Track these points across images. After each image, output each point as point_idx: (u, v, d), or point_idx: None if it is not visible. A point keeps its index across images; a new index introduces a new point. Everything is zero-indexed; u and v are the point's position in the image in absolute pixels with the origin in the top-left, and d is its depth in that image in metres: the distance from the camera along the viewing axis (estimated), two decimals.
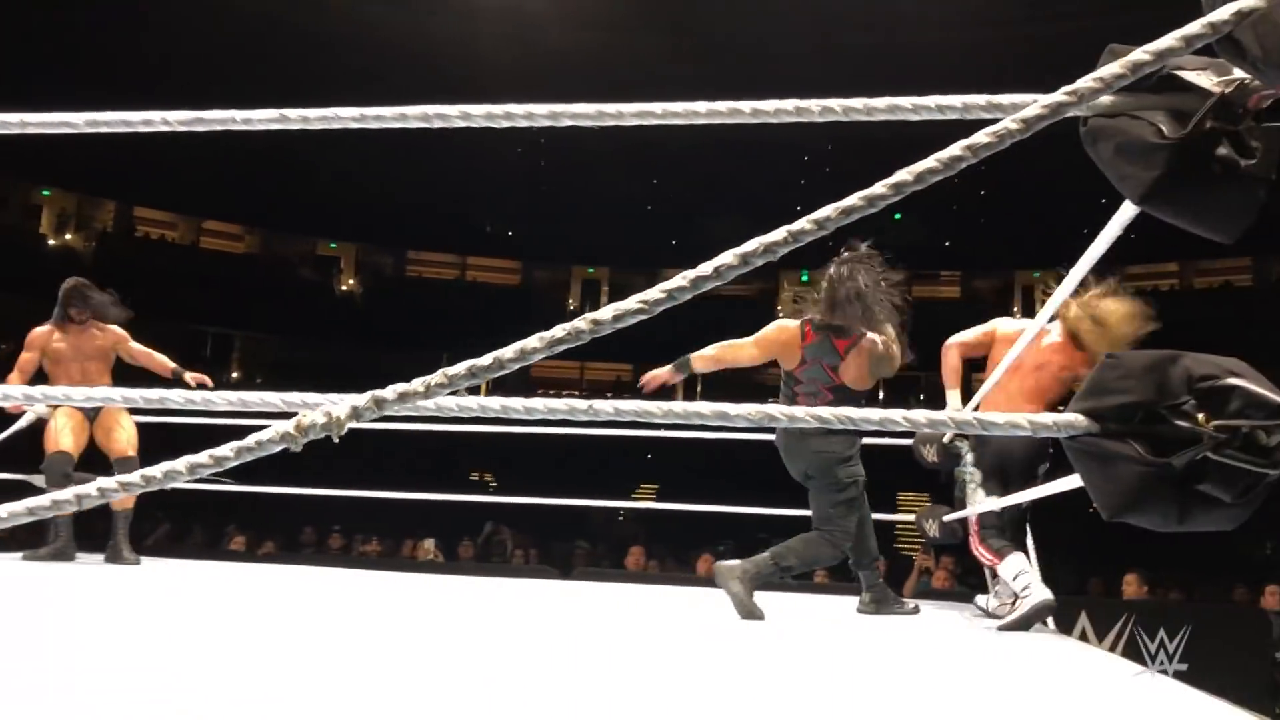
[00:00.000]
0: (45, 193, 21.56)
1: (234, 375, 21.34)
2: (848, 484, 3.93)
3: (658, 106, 1.34)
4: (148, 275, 19.38)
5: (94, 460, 5.28)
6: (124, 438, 5.27)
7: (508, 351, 1.12)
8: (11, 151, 15.25)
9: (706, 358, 3.99)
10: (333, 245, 24.13)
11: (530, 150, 22.33)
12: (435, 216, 22.07)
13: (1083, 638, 6.31)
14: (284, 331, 21.61)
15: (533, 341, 1.12)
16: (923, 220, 20.12)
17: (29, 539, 5.67)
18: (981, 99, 1.25)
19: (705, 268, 1.09)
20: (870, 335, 3.88)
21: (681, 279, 1.09)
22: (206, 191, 20.77)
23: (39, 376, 5.25)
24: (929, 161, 1.09)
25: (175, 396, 1.34)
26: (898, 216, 21.29)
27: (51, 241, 21.37)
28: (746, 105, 1.34)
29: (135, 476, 1.16)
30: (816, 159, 20.40)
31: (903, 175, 1.08)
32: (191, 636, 2.43)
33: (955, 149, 1.08)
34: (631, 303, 1.10)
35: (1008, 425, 1.28)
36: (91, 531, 5.76)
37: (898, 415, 1.29)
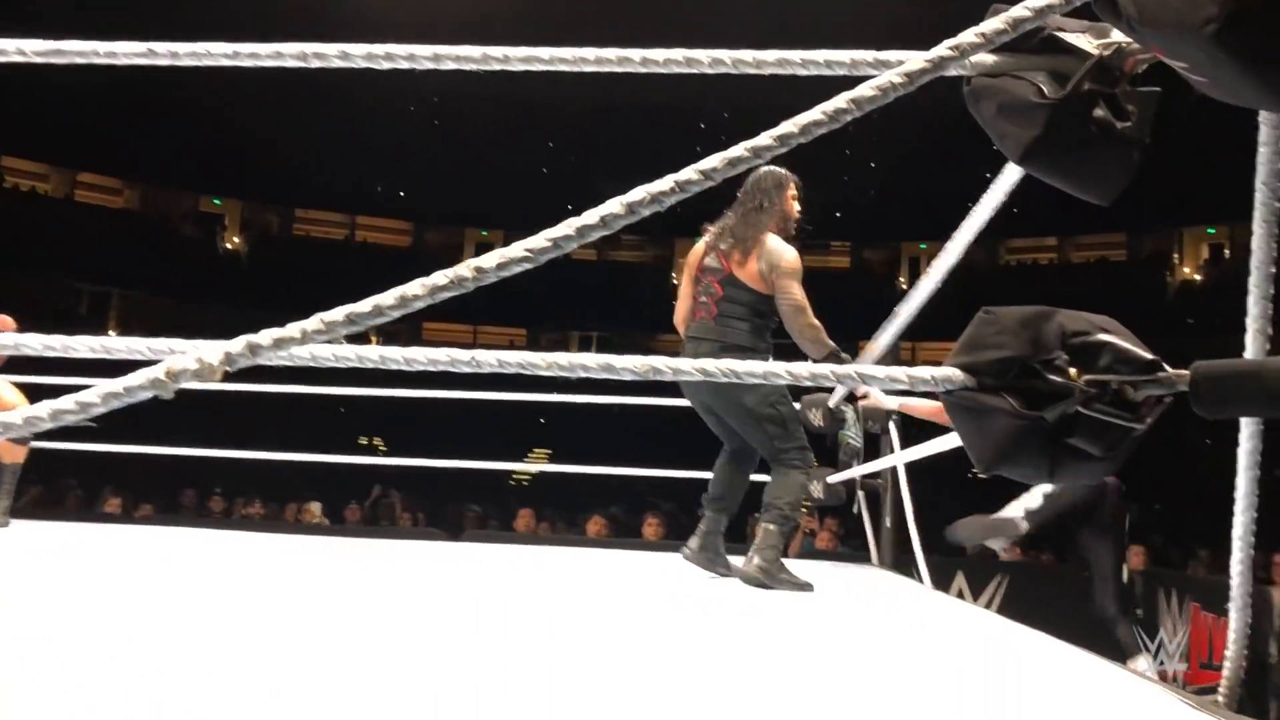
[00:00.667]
0: None
1: (111, 334, 20.57)
2: (766, 400, 3.58)
3: (544, 52, 1.31)
4: (17, 228, 18.53)
5: None
6: (18, 401, 5.02)
7: (388, 298, 1.08)
8: None
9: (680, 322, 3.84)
10: (217, 201, 23.38)
11: (424, 109, 21.93)
12: (324, 174, 21.54)
13: (960, 596, 6.53)
14: (164, 290, 20.90)
15: (414, 288, 1.09)
16: (814, 190, 20.42)
17: None
18: (869, 55, 1.26)
19: (591, 216, 1.07)
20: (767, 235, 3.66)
21: (567, 227, 1.07)
22: (81, 142, 19.89)
23: None
24: (814, 114, 1.09)
25: (32, 341, 1.27)
26: None
27: None
28: (636, 53, 1.32)
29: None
30: (714, 127, 20.49)
31: (788, 127, 1.08)
32: (58, 601, 2.34)
33: (839, 101, 1.08)
34: (516, 250, 1.07)
35: (886, 379, 1.30)
36: None
37: (780, 368, 1.30)
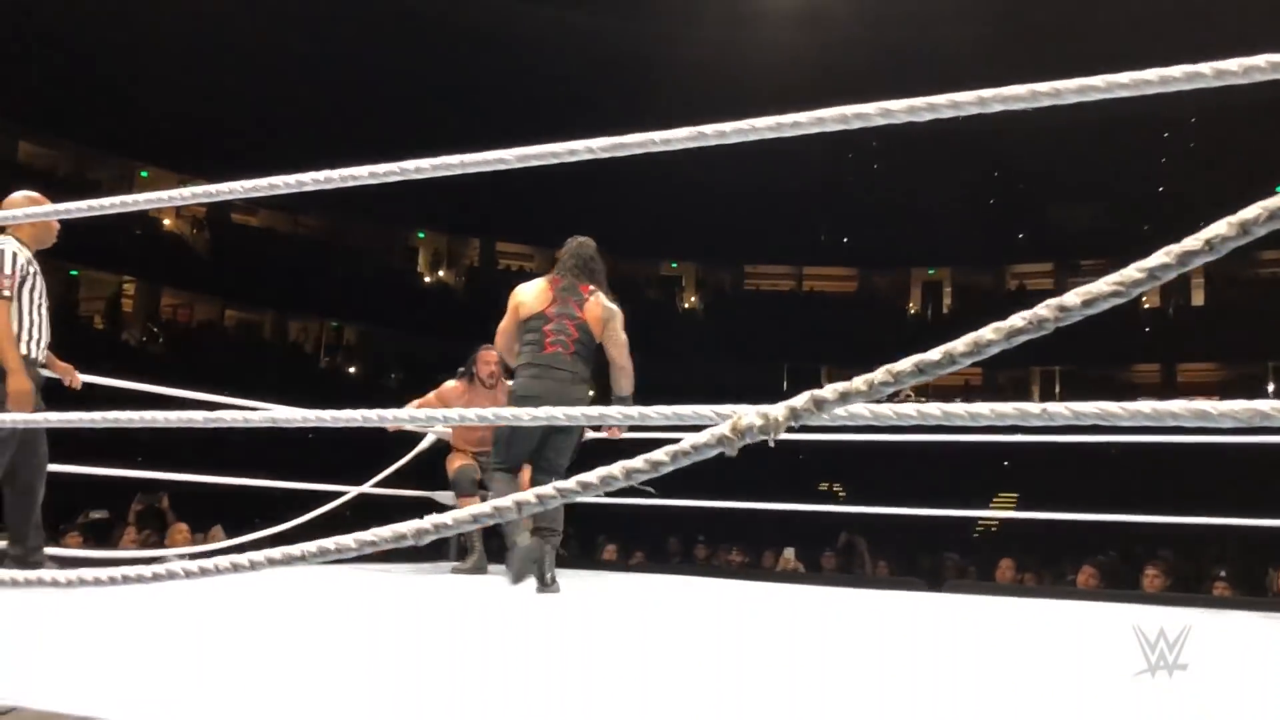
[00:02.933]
0: (420, 235, 23.92)
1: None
2: (576, 429, 4.43)
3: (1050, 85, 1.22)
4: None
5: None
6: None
7: (959, 345, 1.04)
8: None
9: (505, 354, 4.57)
10: (674, 265, 24.97)
11: (863, 154, 21.97)
12: (771, 229, 22.22)
13: None
14: (633, 350, 22.55)
15: (987, 333, 1.03)
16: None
17: (421, 553, 6.21)
18: None
19: (1194, 240, 0.96)
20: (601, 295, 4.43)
21: (1164, 255, 0.96)
22: (560, 221, 22.17)
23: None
24: None
25: (613, 413, 1.37)
26: None
27: (428, 279, 23.70)
28: (1153, 73, 1.18)
29: (572, 483, 1.18)
30: (1180, 133, 18.69)
31: None
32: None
33: None
34: (1103, 285, 0.98)
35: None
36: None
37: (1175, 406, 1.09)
